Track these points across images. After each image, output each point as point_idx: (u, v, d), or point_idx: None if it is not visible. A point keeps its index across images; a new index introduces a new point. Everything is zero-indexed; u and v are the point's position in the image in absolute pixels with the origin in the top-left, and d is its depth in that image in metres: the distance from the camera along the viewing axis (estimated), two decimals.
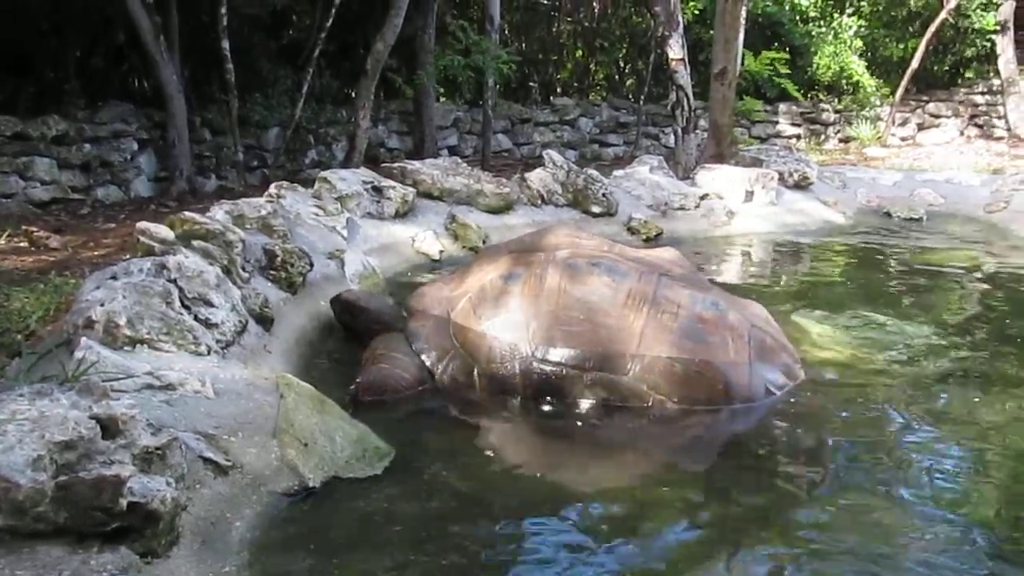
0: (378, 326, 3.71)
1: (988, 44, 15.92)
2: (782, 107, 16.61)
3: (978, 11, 15.62)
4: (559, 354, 3.27)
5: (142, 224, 3.48)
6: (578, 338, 3.28)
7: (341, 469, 2.61)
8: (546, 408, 3.23)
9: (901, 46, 16.79)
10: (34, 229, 6.71)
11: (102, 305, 2.84)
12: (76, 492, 1.82)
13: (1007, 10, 15.03)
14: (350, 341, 3.83)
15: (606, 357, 3.25)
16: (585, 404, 3.24)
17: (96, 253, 6.31)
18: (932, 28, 15.09)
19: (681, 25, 9.69)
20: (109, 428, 2.05)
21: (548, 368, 3.26)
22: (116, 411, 2.08)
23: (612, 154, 15.45)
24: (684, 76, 9.68)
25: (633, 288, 3.36)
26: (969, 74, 17.07)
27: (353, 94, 11.73)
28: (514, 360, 3.30)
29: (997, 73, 15.77)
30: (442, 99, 14.33)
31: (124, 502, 1.84)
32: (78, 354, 2.54)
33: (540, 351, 3.29)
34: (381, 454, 2.76)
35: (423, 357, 3.46)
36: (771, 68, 11.21)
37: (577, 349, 3.27)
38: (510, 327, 3.36)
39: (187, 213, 3.87)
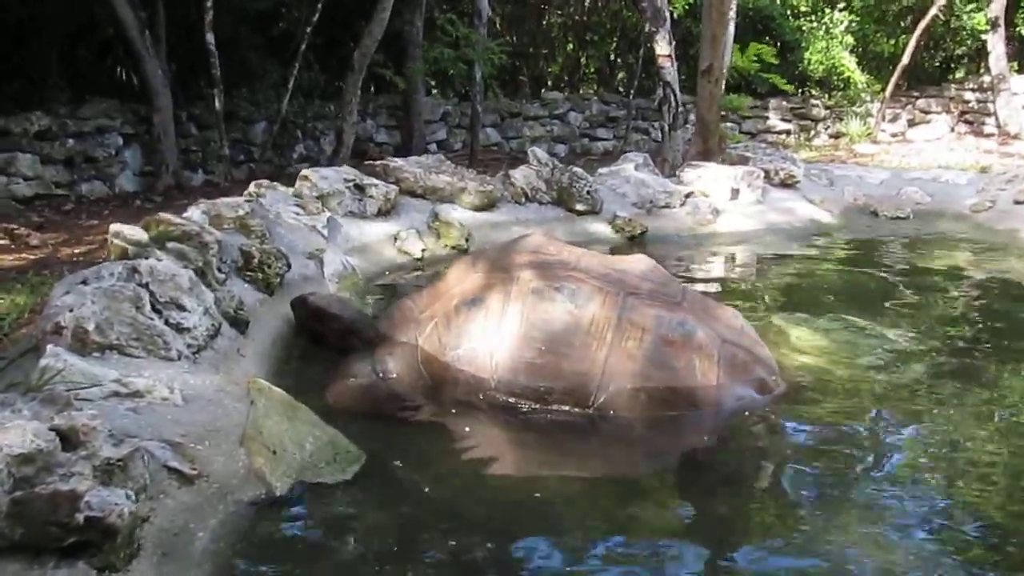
0: (352, 337, 3.65)
1: (979, 43, 15.90)
2: (772, 103, 16.58)
3: (970, 12, 15.63)
4: (522, 389, 3.20)
5: (115, 226, 3.46)
6: (540, 371, 3.20)
7: (310, 475, 2.60)
8: (517, 418, 3.19)
9: (892, 42, 16.81)
10: (14, 227, 6.68)
11: (71, 311, 2.82)
12: (32, 507, 1.80)
13: (998, 7, 15.00)
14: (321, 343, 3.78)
15: (569, 390, 3.18)
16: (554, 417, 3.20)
17: (77, 250, 6.27)
18: (923, 24, 15.08)
19: (668, 21, 9.66)
20: (70, 439, 2.04)
21: (511, 402, 3.21)
22: (77, 422, 2.06)
23: (602, 148, 15.43)
24: (671, 72, 9.65)
25: (596, 314, 3.26)
26: (960, 72, 17.06)
27: (341, 88, 11.68)
28: (478, 394, 3.25)
29: (988, 70, 15.76)
30: (434, 92, 14.27)
31: (81, 517, 1.83)
32: (43, 362, 2.52)
33: (503, 386, 3.22)
34: (351, 459, 2.74)
35: (392, 387, 3.37)
36: (757, 62, 11.15)
37: (540, 383, 3.19)
38: (473, 359, 3.28)
39: (163, 214, 3.84)
